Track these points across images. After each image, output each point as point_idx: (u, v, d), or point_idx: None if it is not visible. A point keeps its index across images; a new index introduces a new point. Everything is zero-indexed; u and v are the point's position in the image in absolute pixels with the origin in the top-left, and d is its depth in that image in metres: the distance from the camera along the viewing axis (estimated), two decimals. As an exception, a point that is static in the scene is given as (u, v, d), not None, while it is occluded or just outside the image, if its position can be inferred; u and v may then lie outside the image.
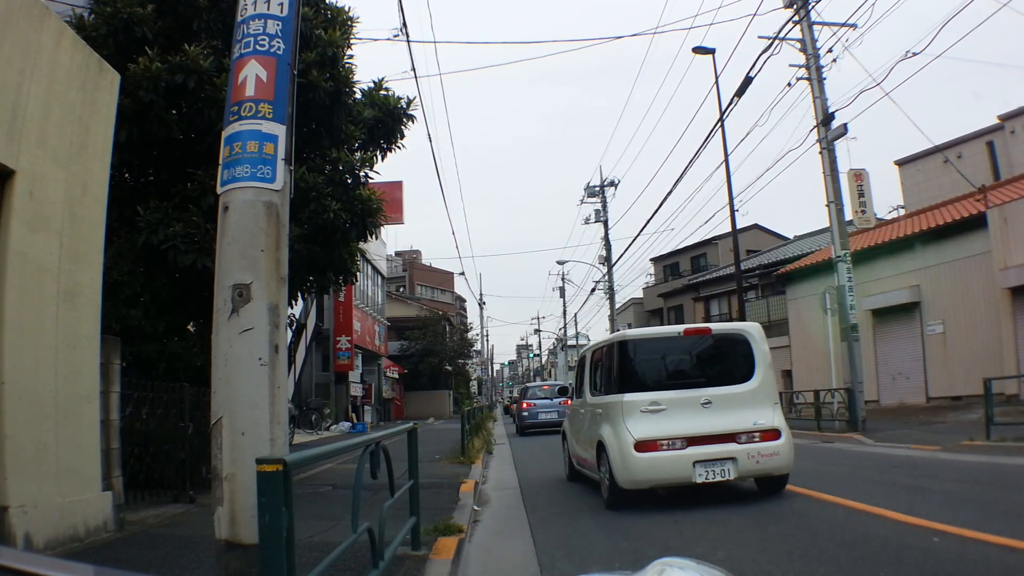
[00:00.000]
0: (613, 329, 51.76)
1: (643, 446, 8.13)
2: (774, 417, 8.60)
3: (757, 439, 8.31)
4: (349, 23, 11.59)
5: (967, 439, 13.04)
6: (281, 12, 3.71)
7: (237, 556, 3.22)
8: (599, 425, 9.07)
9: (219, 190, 3.59)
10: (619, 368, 9.00)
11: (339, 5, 11.70)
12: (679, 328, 10.07)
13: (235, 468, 3.28)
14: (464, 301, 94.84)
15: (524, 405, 28.04)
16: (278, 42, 3.66)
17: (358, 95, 11.85)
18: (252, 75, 3.58)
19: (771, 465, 8.36)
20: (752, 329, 9.16)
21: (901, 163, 36.07)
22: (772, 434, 8.39)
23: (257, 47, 3.64)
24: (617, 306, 54.02)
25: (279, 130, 3.57)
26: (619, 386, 8.85)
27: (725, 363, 9.05)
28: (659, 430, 8.22)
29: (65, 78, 6.82)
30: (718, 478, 8.16)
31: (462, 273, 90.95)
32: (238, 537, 3.24)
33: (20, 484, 5.80)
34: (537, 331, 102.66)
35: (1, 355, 5.77)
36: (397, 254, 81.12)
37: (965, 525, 6.18)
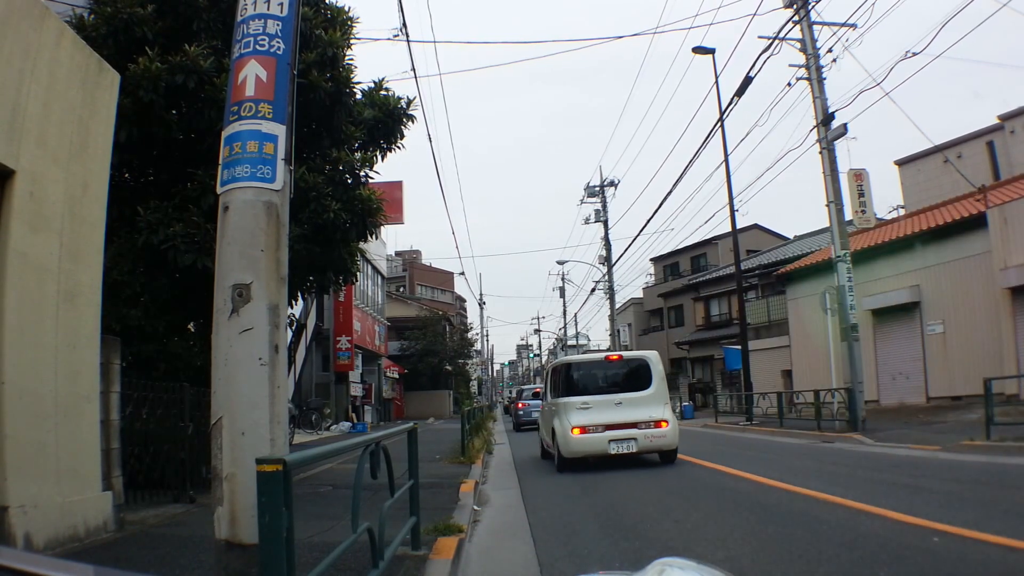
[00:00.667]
0: (613, 329, 51.93)
1: (578, 430, 12.42)
2: (664, 412, 12.76)
3: (652, 426, 12.52)
4: (349, 23, 11.58)
5: (967, 439, 13.04)
6: (281, 12, 3.70)
7: (237, 556, 3.22)
8: (554, 417, 13.32)
9: (219, 190, 3.58)
10: (564, 380, 13.56)
11: (339, 5, 11.70)
12: (603, 355, 15.73)
13: (235, 468, 3.27)
14: (464, 301, 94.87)
15: (519, 405, 33.65)
16: (278, 42, 3.65)
17: (358, 95, 11.85)
18: (252, 75, 3.57)
19: (661, 443, 12.70)
20: (651, 355, 13.63)
21: (901, 163, 36.08)
22: (662, 423, 12.60)
23: (257, 47, 3.63)
24: (617, 306, 54.03)
25: (279, 130, 3.56)
26: (565, 392, 13.29)
27: (631, 377, 13.29)
28: (588, 420, 12.52)
29: (65, 78, 6.81)
30: (624, 451, 12.41)
31: (462, 273, 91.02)
32: (238, 537, 3.23)
33: (20, 484, 5.80)
34: (537, 331, 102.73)
35: (1, 355, 5.77)
36: (397, 254, 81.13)
37: (965, 525, 6.18)
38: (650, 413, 12.63)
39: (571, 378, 13.59)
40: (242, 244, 3.44)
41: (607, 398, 12.94)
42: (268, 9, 3.69)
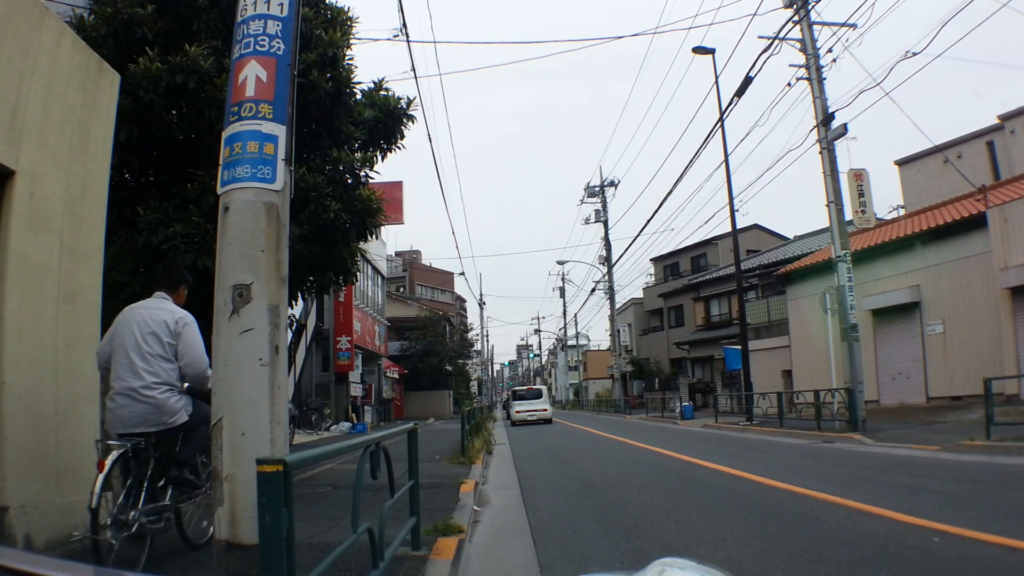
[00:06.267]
0: (613, 330, 52.17)
1: (517, 412, 40.17)
2: (547, 405, 41.28)
3: (543, 411, 39.92)
4: (349, 23, 11.56)
5: (967, 439, 13.04)
6: (281, 12, 3.68)
7: (237, 557, 3.21)
8: (510, 408, 43.77)
9: (219, 190, 3.57)
10: (514, 395, 45.07)
11: (339, 5, 11.69)
12: (527, 387, 50.25)
13: (235, 468, 3.26)
14: (464, 301, 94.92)
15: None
16: (278, 42, 3.63)
17: (358, 95, 11.84)
18: (252, 75, 3.56)
19: (545, 416, 39.56)
20: (543, 387, 46.12)
21: (901, 163, 36.10)
22: (546, 410, 40.31)
23: (257, 47, 3.61)
24: (617, 306, 54.10)
25: (279, 130, 3.55)
26: (514, 399, 43.49)
27: (536, 394, 42.31)
28: (520, 408, 40.41)
29: (65, 78, 6.81)
30: (532, 419, 38.77)
31: (462, 273, 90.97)
32: (238, 538, 3.22)
33: (20, 485, 5.80)
34: (537, 331, 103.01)
35: (1, 356, 5.77)
36: (397, 254, 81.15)
37: (966, 525, 6.19)
38: (542, 406, 40.03)
39: (516, 394, 43.86)
40: (242, 244, 3.42)
41: (527, 401, 40.73)
42: (268, 9, 3.67)
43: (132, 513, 5.16)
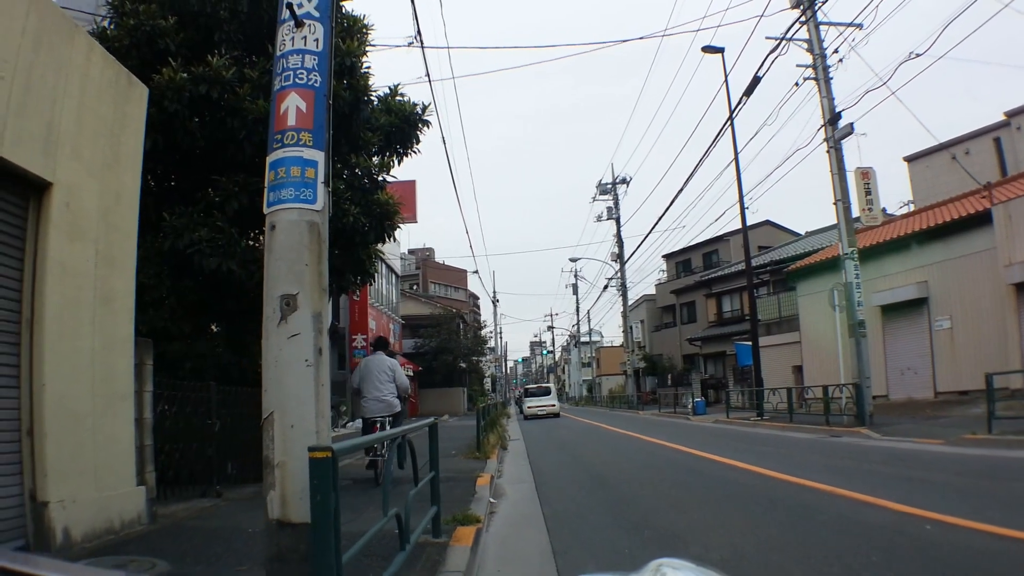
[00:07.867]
0: (626, 326, 52.42)
1: (529, 407, 44.67)
2: (555, 400, 46.12)
3: (552, 406, 44.28)
4: (365, 31, 11.82)
5: (970, 433, 13.27)
6: (317, 47, 4.02)
7: (288, 534, 3.60)
8: (522, 403, 49.81)
9: (266, 211, 3.92)
10: (525, 392, 52.66)
11: (355, 14, 11.96)
12: (537, 384, 62.54)
13: (286, 456, 3.64)
14: (478, 299, 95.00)
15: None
16: (315, 75, 3.97)
17: (375, 102, 12.11)
18: (293, 106, 3.91)
19: (554, 411, 44.10)
20: (551, 385, 54.69)
21: (910, 159, 36.15)
22: (554, 405, 44.99)
23: (296, 80, 3.95)
24: (630, 303, 54.25)
25: (319, 156, 3.90)
26: (526, 396, 49.75)
27: (545, 391, 48.28)
28: (532, 403, 44.98)
29: (96, 92, 7.07)
30: (541, 414, 42.75)
31: (476, 271, 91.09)
32: (288, 517, 3.61)
33: (59, 480, 6.07)
34: (550, 328, 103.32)
35: (42, 359, 6.02)
36: (410, 252, 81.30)
37: (959, 515, 6.46)
38: (551, 402, 44.71)
39: (528, 391, 50.73)
40: (288, 260, 3.78)
41: (538, 398, 45.70)
42: (305, 45, 4.00)
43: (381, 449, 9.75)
